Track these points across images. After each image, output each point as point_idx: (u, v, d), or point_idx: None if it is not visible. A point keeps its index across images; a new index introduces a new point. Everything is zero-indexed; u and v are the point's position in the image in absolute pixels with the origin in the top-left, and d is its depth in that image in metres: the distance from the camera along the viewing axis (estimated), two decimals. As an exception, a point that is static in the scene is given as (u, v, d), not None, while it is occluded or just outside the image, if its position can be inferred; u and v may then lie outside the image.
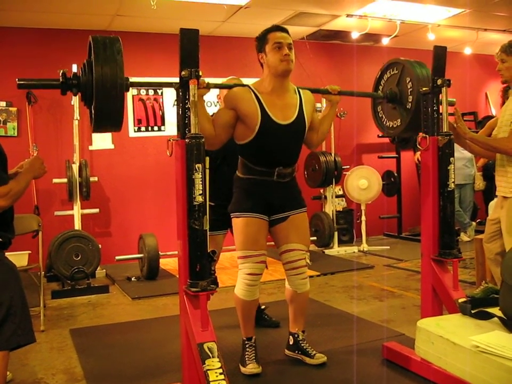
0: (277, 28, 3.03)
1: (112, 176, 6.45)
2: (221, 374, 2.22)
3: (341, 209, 7.48)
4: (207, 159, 2.41)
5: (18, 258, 4.35)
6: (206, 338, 2.32)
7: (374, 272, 5.74)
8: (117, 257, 5.78)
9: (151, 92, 6.77)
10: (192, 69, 2.34)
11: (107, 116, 2.45)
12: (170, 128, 6.68)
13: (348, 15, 6.39)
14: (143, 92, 6.72)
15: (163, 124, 6.80)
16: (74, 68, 5.85)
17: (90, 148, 6.39)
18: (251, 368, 3.07)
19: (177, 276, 2.62)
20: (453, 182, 2.91)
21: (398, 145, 7.67)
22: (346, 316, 4.19)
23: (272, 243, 3.24)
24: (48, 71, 6.25)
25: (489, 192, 6.74)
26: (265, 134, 2.95)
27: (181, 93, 2.42)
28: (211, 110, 6.94)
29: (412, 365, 2.99)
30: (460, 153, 5.88)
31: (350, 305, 4.50)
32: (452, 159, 2.90)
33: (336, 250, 6.82)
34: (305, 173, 6.88)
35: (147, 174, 6.61)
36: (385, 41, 7.35)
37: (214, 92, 6.95)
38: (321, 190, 7.05)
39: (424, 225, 3.05)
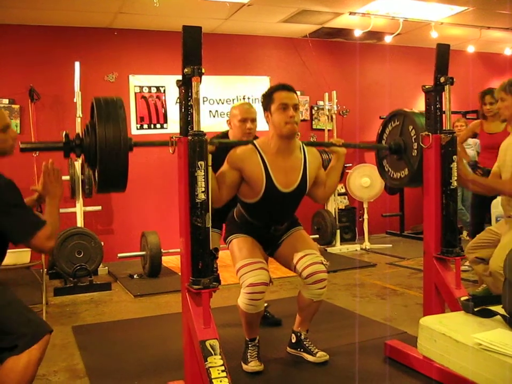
0: (283, 87, 2.99)
1: (114, 174, 6.43)
2: (223, 371, 2.22)
3: (343, 207, 7.48)
4: (210, 156, 2.41)
5: (21, 255, 4.36)
6: (208, 335, 2.32)
7: (376, 270, 5.74)
8: (119, 255, 5.79)
9: (153, 90, 6.77)
10: (195, 66, 2.33)
11: (111, 179, 2.46)
12: (173, 125, 6.68)
13: (350, 13, 6.38)
14: (145, 89, 6.73)
15: (165, 121, 6.80)
16: (77, 66, 5.87)
17: (93, 145, 6.38)
18: (253, 365, 3.07)
19: (180, 274, 2.62)
20: (456, 180, 2.90)
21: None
22: (348, 313, 4.19)
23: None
24: (50, 69, 6.29)
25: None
26: (267, 199, 2.98)
27: (183, 91, 2.42)
28: (214, 119, 7.01)
29: (414, 362, 2.99)
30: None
31: (352, 303, 4.49)
32: (454, 157, 2.89)
33: (339, 248, 6.82)
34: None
35: (149, 171, 6.61)
36: (388, 39, 7.33)
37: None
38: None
39: (426, 224, 3.04)
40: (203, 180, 2.33)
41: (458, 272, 2.88)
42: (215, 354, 2.27)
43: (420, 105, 7.54)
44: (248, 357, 3.11)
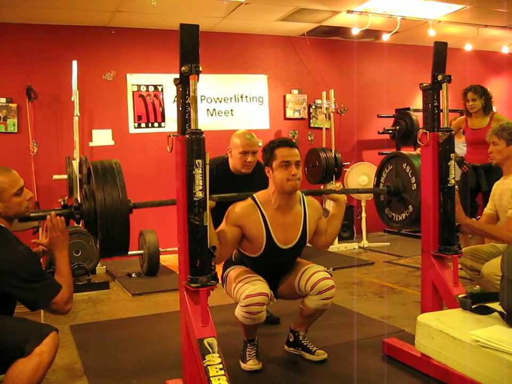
0: (285, 144, 2.94)
1: (112, 173, 6.42)
2: (221, 369, 2.22)
3: (341, 206, 7.47)
4: (207, 154, 2.41)
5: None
6: (206, 333, 2.33)
7: (374, 269, 5.74)
8: (117, 254, 5.78)
9: (151, 88, 6.76)
10: (192, 65, 2.33)
11: (114, 246, 2.48)
12: (171, 124, 6.68)
13: (348, 11, 6.37)
14: (143, 88, 6.72)
15: (163, 120, 6.80)
16: (74, 64, 5.86)
17: (91, 144, 6.38)
18: (251, 364, 3.07)
19: (178, 272, 2.62)
20: (453, 178, 2.90)
21: (398, 142, 7.66)
22: (346, 312, 4.19)
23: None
24: (48, 67, 6.28)
25: (489, 190, 6.74)
26: (267, 255, 2.98)
27: (181, 89, 2.41)
28: (211, 118, 7.01)
29: (412, 360, 2.99)
30: (461, 149, 5.89)
31: (350, 301, 4.50)
32: (452, 155, 2.90)
33: (337, 246, 6.82)
34: (306, 169, 6.87)
35: (147, 170, 6.60)
36: (385, 37, 7.33)
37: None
38: (322, 187, 7.04)
39: (424, 221, 3.05)
40: (200, 178, 2.33)
41: (456, 270, 2.89)
42: (213, 352, 2.27)
43: (417, 103, 7.56)
44: (247, 355, 3.11)
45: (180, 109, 2.43)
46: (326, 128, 7.21)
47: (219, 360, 2.25)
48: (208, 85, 6.87)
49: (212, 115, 7.06)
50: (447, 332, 1.81)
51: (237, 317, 2.94)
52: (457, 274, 2.88)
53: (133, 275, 5.59)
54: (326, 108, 7.12)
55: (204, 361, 2.24)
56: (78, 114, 5.85)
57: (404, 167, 3.23)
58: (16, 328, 2.28)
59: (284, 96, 7.53)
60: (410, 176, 3.18)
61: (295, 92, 7.60)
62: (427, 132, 2.94)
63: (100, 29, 6.53)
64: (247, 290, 2.83)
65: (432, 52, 2.92)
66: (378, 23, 6.89)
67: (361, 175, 6.84)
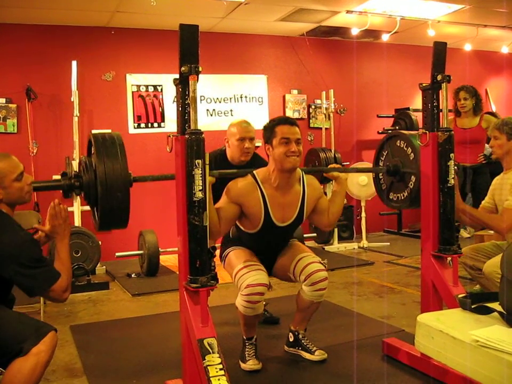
0: (285, 121, 2.96)
1: (112, 173, 6.42)
2: (221, 369, 2.22)
3: (341, 206, 7.47)
4: (207, 155, 2.42)
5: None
6: (206, 334, 2.33)
7: (374, 269, 5.74)
8: (117, 254, 5.78)
9: (150, 89, 6.76)
10: (192, 65, 2.33)
11: (113, 217, 2.47)
12: (170, 124, 6.67)
13: (347, 11, 6.37)
14: (142, 88, 6.72)
15: (163, 120, 6.80)
16: (74, 65, 5.87)
17: (90, 144, 6.38)
18: (251, 364, 3.07)
19: (177, 273, 2.62)
20: (453, 178, 2.91)
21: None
22: (346, 312, 4.19)
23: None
24: (47, 68, 6.28)
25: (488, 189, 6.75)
26: (264, 231, 3.01)
27: (180, 89, 2.42)
28: (211, 118, 7.00)
29: (412, 360, 3.00)
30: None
31: (350, 301, 4.50)
32: (451, 155, 2.90)
33: (336, 246, 6.83)
34: (305, 169, 6.87)
35: (147, 170, 6.56)
36: (385, 37, 7.33)
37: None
38: (321, 187, 7.05)
39: (424, 222, 3.05)
40: (200, 178, 2.33)
41: (456, 270, 2.89)
42: (213, 352, 2.27)
43: (417, 103, 7.57)
44: (246, 355, 3.11)
45: (180, 109, 2.43)
46: (326, 128, 7.21)
47: (219, 360, 2.25)
48: (207, 85, 6.86)
49: (211, 115, 7.06)
50: (447, 332, 1.82)
51: (238, 307, 2.98)
52: (457, 274, 2.88)
53: (132, 275, 5.59)
54: (326, 108, 7.12)
55: (204, 361, 2.24)
56: (78, 114, 5.85)
57: (403, 146, 3.20)
58: (14, 323, 2.28)
59: (284, 96, 7.53)
60: (409, 155, 3.14)
61: (295, 92, 7.60)
62: (427, 131, 2.95)
63: (100, 29, 6.52)
64: (248, 280, 2.88)
65: (431, 51, 2.92)
66: (378, 23, 6.89)
67: (360, 175, 6.84)
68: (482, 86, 8.66)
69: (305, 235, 6.09)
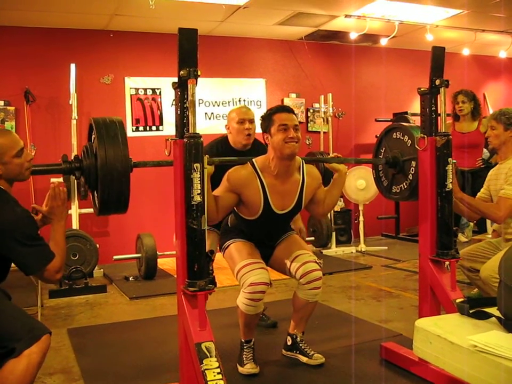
0: (283, 109, 2.99)
1: (110, 176, 6.42)
2: (218, 373, 2.22)
3: (339, 210, 7.47)
4: (206, 158, 2.42)
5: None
6: (204, 338, 2.32)
7: (372, 273, 5.74)
8: (115, 257, 5.78)
9: (149, 92, 6.76)
10: (190, 68, 2.33)
11: (113, 201, 2.47)
12: (169, 128, 6.68)
13: (346, 16, 6.39)
14: (141, 91, 6.72)
15: (161, 123, 6.80)
16: (72, 68, 5.87)
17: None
18: (249, 368, 3.07)
19: (175, 276, 2.62)
20: (451, 182, 2.91)
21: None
22: (344, 316, 4.19)
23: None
24: (46, 71, 6.28)
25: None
26: (262, 218, 3.02)
27: (179, 93, 2.42)
28: (210, 122, 7.01)
29: (410, 365, 2.99)
30: (458, 154, 5.91)
31: (348, 305, 4.50)
32: (449, 159, 2.90)
33: (334, 250, 6.83)
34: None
35: (145, 173, 6.58)
36: (383, 41, 7.35)
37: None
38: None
39: (422, 226, 3.05)
40: (199, 182, 2.33)
41: (454, 274, 2.89)
42: (210, 356, 2.26)
43: (415, 107, 7.57)
44: (244, 359, 3.11)
45: (178, 112, 2.43)
46: (324, 132, 7.22)
47: (217, 364, 2.25)
48: (206, 88, 6.87)
49: (210, 119, 7.06)
50: (444, 337, 1.81)
51: (239, 306, 2.99)
52: (454, 279, 2.88)
53: (130, 278, 5.58)
54: (324, 112, 7.13)
55: (202, 365, 2.23)
56: (76, 117, 5.84)
57: (400, 137, 3.21)
58: (10, 319, 2.28)
59: (282, 100, 7.53)
60: (407, 142, 3.16)
61: (293, 95, 7.61)
62: (425, 136, 2.95)
63: (98, 32, 6.53)
64: (251, 278, 2.90)
65: (430, 56, 2.93)
66: (376, 28, 6.90)
67: (358, 179, 6.84)
68: (480, 90, 8.68)
69: (303, 239, 6.08)
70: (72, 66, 5.92)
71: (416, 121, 6.42)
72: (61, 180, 5.74)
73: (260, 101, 7.36)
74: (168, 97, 6.74)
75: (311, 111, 7.70)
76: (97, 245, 5.43)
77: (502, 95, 8.98)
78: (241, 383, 2.99)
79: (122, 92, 6.64)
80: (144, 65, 6.74)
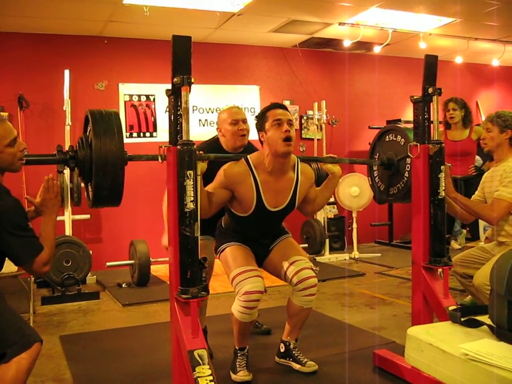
0: (276, 105, 3.02)
1: (103, 182, 6.41)
2: (211, 381, 2.21)
3: (332, 217, 7.48)
4: (199, 165, 2.42)
5: (8, 263, 4.32)
6: (197, 345, 2.32)
7: (365, 280, 5.75)
8: (108, 264, 5.76)
9: (143, 98, 6.77)
10: (184, 76, 2.33)
11: (107, 193, 2.46)
12: (162, 134, 6.68)
13: (340, 23, 6.42)
14: (135, 97, 6.72)
15: (155, 130, 6.80)
16: (66, 74, 5.86)
17: (82, 153, 6.36)
18: (242, 375, 3.06)
19: (168, 283, 2.62)
20: (444, 190, 2.92)
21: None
22: (337, 323, 4.19)
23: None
24: (40, 77, 6.27)
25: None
26: (255, 215, 3.02)
27: (173, 100, 2.42)
28: (203, 129, 7.02)
29: (403, 372, 2.99)
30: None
31: (341, 312, 4.50)
32: (442, 167, 2.91)
33: (328, 257, 6.83)
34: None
35: (138, 180, 6.58)
36: (377, 49, 7.38)
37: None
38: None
39: (414, 233, 3.06)
40: (192, 189, 2.33)
41: (447, 282, 2.90)
42: (203, 364, 2.26)
43: (408, 115, 7.59)
44: (237, 366, 3.10)
45: (172, 119, 2.43)
46: (318, 139, 7.24)
47: (209, 371, 2.24)
48: (200, 95, 6.88)
49: (203, 125, 7.07)
50: (436, 345, 1.82)
51: (234, 313, 2.98)
52: (447, 286, 2.88)
53: (123, 285, 5.56)
54: (318, 119, 7.15)
55: (194, 373, 2.23)
56: (70, 123, 5.84)
57: (393, 138, 3.23)
58: (6, 322, 2.27)
59: (276, 107, 7.53)
60: (400, 141, 3.18)
61: (287, 102, 7.61)
62: (418, 144, 2.96)
63: (93, 38, 6.53)
64: (246, 287, 2.90)
65: (423, 64, 2.95)
66: (370, 35, 6.94)
67: (352, 186, 6.86)
68: (473, 98, 8.73)
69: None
70: (66, 72, 5.92)
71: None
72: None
73: (254, 108, 7.37)
74: (162, 103, 6.74)
75: (305, 118, 7.72)
76: (90, 252, 5.42)
77: (495, 103, 9.02)
78: (234, 390, 2.99)
79: (116, 98, 6.64)
80: (138, 72, 6.74)
